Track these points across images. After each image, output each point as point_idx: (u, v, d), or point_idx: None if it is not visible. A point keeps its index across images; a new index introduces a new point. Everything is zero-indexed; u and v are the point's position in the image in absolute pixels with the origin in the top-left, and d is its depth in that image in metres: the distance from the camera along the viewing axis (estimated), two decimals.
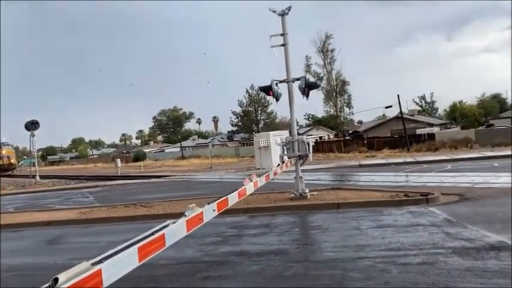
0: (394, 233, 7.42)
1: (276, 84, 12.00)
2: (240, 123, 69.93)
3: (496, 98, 76.63)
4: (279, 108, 73.13)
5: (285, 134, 26.16)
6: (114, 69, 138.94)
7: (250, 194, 7.51)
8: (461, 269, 5.26)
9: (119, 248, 2.82)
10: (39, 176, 31.72)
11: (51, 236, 10.19)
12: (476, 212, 8.64)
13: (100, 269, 2.48)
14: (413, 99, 78.10)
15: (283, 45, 12.04)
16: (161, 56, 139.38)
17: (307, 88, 11.74)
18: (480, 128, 44.14)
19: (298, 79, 12.00)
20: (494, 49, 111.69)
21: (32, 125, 32.44)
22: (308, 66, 59.47)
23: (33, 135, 32.12)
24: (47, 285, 2.16)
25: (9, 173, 51.65)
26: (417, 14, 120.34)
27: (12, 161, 55.84)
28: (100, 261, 2.55)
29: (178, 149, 61.10)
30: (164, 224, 3.50)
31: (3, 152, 54.72)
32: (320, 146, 41.14)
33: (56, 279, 2.20)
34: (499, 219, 7.72)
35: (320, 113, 68.63)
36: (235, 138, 73.84)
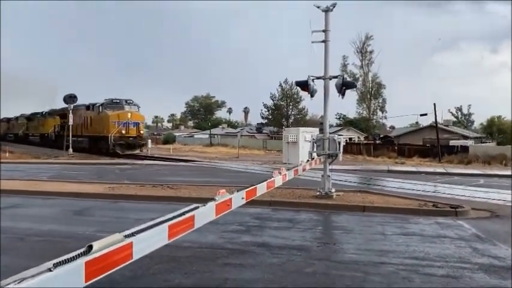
0: (419, 242, 7.28)
1: (313, 80, 11.91)
2: (270, 117, 69.88)
3: None
4: (310, 105, 72.51)
5: (314, 131, 25.98)
6: (152, 53, 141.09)
7: (276, 188, 7.52)
8: (487, 287, 5.11)
9: (151, 223, 2.87)
10: (72, 149, 32.57)
11: (80, 207, 10.49)
12: (507, 231, 8.36)
13: (132, 242, 2.54)
14: (449, 110, 76.08)
15: (323, 41, 11.92)
16: (200, 44, 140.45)
17: (344, 87, 11.60)
18: None
19: (335, 77, 11.87)
20: None
21: (70, 99, 33.38)
22: (345, 65, 58.83)
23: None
24: (82, 250, 2.22)
25: (137, 151, 33.58)
26: (464, 22, 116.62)
27: (142, 131, 35.52)
28: (132, 235, 2.60)
29: (207, 136, 61.73)
30: (194, 205, 3.54)
31: (129, 115, 33.19)
32: (349, 148, 40.63)
33: (90, 247, 2.27)
34: None
35: (352, 114, 67.81)
36: (263, 131, 73.87)
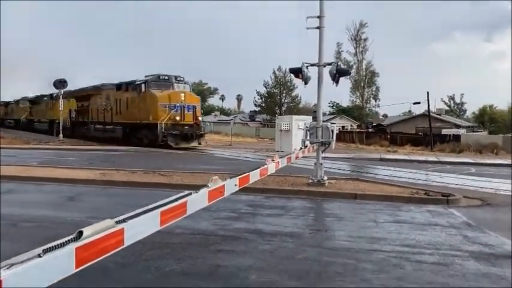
0: (410, 230, 7.34)
1: (307, 67, 11.85)
2: (263, 104, 69.76)
3: None
4: (303, 93, 72.34)
5: (308, 119, 25.93)
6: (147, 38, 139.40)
7: (269, 175, 7.51)
8: (477, 274, 5.17)
9: (142, 209, 2.84)
10: (62, 134, 32.27)
11: (71, 193, 10.43)
12: (498, 219, 8.46)
13: (123, 228, 2.51)
14: (441, 99, 76.42)
15: (318, 27, 11.83)
16: (191, 31, 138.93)
17: (338, 74, 11.55)
18: (509, 134, 42.95)
19: (329, 64, 11.81)
20: None
21: (60, 84, 33.00)
22: (339, 53, 58.74)
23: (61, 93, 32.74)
24: (72, 236, 2.19)
25: (194, 144, 26.16)
26: (458, 11, 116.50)
27: (199, 118, 27.62)
28: (124, 221, 2.57)
29: None
30: (187, 192, 3.51)
31: (183, 96, 26.12)
32: (342, 136, 40.74)
33: (81, 233, 2.24)
34: None
35: (345, 103, 67.94)
36: (256, 119, 73.81)
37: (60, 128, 32.77)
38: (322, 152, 12.10)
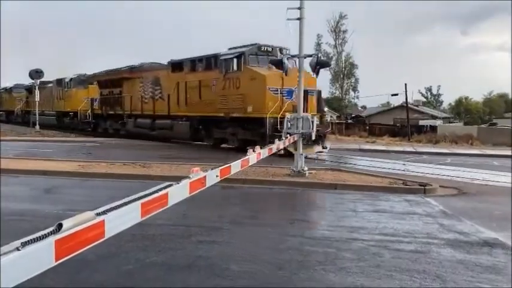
0: (389, 219, 7.47)
1: (287, 58, 11.86)
2: None
3: (503, 97, 76.21)
4: None
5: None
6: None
7: (250, 166, 7.51)
8: (453, 261, 5.30)
9: (123, 201, 2.81)
10: (39, 125, 31.53)
11: (49, 185, 10.24)
12: (473, 207, 8.68)
13: (103, 220, 2.48)
14: (419, 90, 77.63)
15: (298, 19, 11.83)
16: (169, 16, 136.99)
17: (318, 66, 11.62)
18: (483, 125, 44.03)
19: (310, 56, 11.85)
20: (508, 48, 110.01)
21: (36, 74, 32.22)
22: (319, 44, 58.88)
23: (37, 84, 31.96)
24: (51, 229, 2.15)
25: (317, 149, 16.73)
26: (436, 5, 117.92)
27: (325, 109, 22.58)
28: (104, 213, 2.54)
29: None
30: (168, 183, 3.49)
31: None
32: None
33: (60, 225, 2.20)
34: (495, 217, 7.77)
35: (325, 94, 68.15)
36: None
37: (37, 118, 32.02)
38: (305, 142, 12.15)
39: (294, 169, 11.84)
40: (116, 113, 26.76)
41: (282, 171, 12.20)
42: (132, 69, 25.41)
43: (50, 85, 35.43)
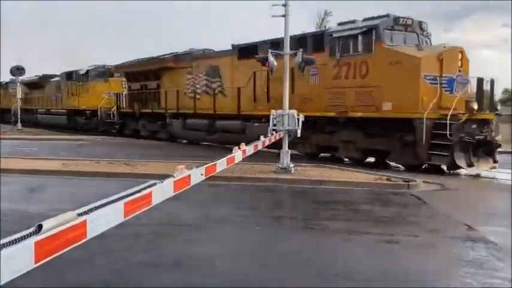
0: (369, 213, 7.53)
1: (273, 55, 11.86)
2: None
3: None
4: None
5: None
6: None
7: (236, 163, 7.52)
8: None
9: (105, 201, 2.79)
10: (20, 123, 30.92)
11: (33, 184, 10.10)
12: (455, 202, 8.82)
13: (85, 220, 2.46)
14: None
15: (283, 16, 11.83)
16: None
17: (303, 63, 11.65)
18: None
19: (295, 53, 11.87)
20: (494, 46, 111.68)
21: (17, 71, 31.69)
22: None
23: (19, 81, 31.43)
24: (31, 230, 2.13)
25: (487, 166, 12.11)
26: (422, 4, 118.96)
27: (499, 106, 19.13)
28: (86, 213, 2.52)
29: None
30: (151, 182, 3.47)
31: (458, 57, 12.62)
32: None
33: (40, 226, 2.18)
34: (478, 211, 7.93)
35: None
36: None
37: (19, 116, 31.47)
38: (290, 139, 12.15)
39: (280, 166, 11.86)
40: (153, 111, 21.90)
41: (268, 168, 12.22)
42: (176, 57, 20.71)
43: (56, 79, 31.56)
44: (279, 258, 5.27)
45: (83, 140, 23.57)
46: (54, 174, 11.43)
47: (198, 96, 19.36)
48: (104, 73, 27.19)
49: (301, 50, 11.98)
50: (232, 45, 17.89)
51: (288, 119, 11.92)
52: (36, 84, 34.28)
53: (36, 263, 2.07)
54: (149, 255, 5.22)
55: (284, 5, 11.75)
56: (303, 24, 58.78)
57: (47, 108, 31.90)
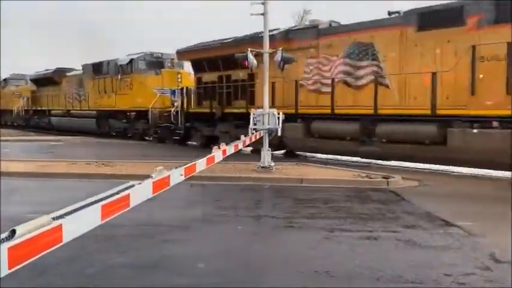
0: (349, 209, 7.61)
1: (253, 54, 11.87)
2: None
3: None
4: None
5: None
6: None
7: (216, 163, 7.49)
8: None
9: (82, 204, 2.74)
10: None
11: (7, 187, 9.85)
12: (434, 197, 8.98)
13: (61, 224, 2.41)
14: None
15: (262, 14, 11.84)
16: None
17: (283, 62, 11.68)
18: None
19: (275, 51, 11.90)
20: None
21: None
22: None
23: None
24: (4, 236, 2.07)
25: None
26: (401, 4, 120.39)
27: None
28: (61, 216, 2.47)
29: None
30: (129, 184, 3.42)
31: None
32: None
33: (14, 231, 2.12)
34: (456, 205, 8.10)
35: None
36: None
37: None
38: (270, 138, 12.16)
39: (261, 165, 11.89)
40: (248, 110, 14.51)
41: (249, 167, 12.23)
42: (287, 34, 14.98)
43: (75, 73, 26.44)
44: (260, 257, 5.29)
45: (59, 141, 23.11)
46: (31, 176, 11.20)
47: (325, 90, 14.14)
48: (154, 63, 21.63)
49: (280, 48, 12.03)
50: (408, 11, 12.36)
51: (268, 118, 11.95)
52: (49, 80, 27.51)
53: (10, 268, 2.02)
54: (128, 257, 5.16)
55: (263, 3, 11.76)
56: (285, 20, 59.02)
57: (66, 109, 25.99)
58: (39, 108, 28.65)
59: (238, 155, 10.78)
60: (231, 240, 5.95)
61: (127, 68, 21.94)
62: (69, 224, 2.47)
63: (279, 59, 11.62)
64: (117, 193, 3.07)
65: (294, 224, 6.75)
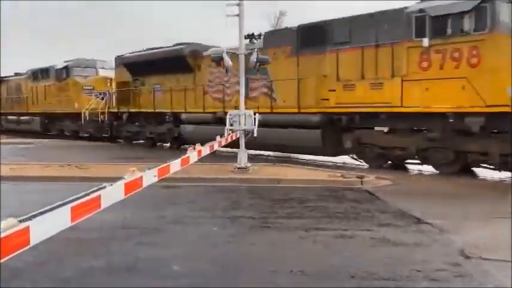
0: (324, 209, 7.68)
1: (228, 55, 11.85)
2: None
3: None
4: None
5: None
6: None
7: (192, 164, 7.45)
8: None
9: (50, 206, 2.70)
10: None
11: None
12: (406, 195, 9.16)
13: (28, 226, 2.36)
14: None
15: (237, 15, 11.84)
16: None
17: (258, 62, 11.71)
18: None
19: (251, 52, 11.91)
20: None
21: None
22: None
23: None
24: None
25: None
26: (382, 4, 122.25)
27: None
28: (29, 219, 2.42)
29: None
30: (101, 185, 3.38)
31: None
32: None
33: None
34: (428, 204, 8.27)
35: None
36: None
37: None
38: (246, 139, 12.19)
39: (238, 166, 11.88)
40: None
41: (226, 168, 12.20)
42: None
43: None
44: (235, 258, 5.28)
45: (33, 144, 22.58)
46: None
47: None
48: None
49: (256, 49, 12.06)
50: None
51: (244, 118, 11.95)
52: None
53: None
54: (102, 260, 5.07)
55: (238, 5, 11.77)
56: (261, 22, 59.11)
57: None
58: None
59: (215, 156, 10.74)
60: (207, 242, 5.92)
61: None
62: (37, 226, 2.43)
63: (255, 59, 11.64)
64: (88, 194, 3.02)
65: (270, 225, 6.78)
